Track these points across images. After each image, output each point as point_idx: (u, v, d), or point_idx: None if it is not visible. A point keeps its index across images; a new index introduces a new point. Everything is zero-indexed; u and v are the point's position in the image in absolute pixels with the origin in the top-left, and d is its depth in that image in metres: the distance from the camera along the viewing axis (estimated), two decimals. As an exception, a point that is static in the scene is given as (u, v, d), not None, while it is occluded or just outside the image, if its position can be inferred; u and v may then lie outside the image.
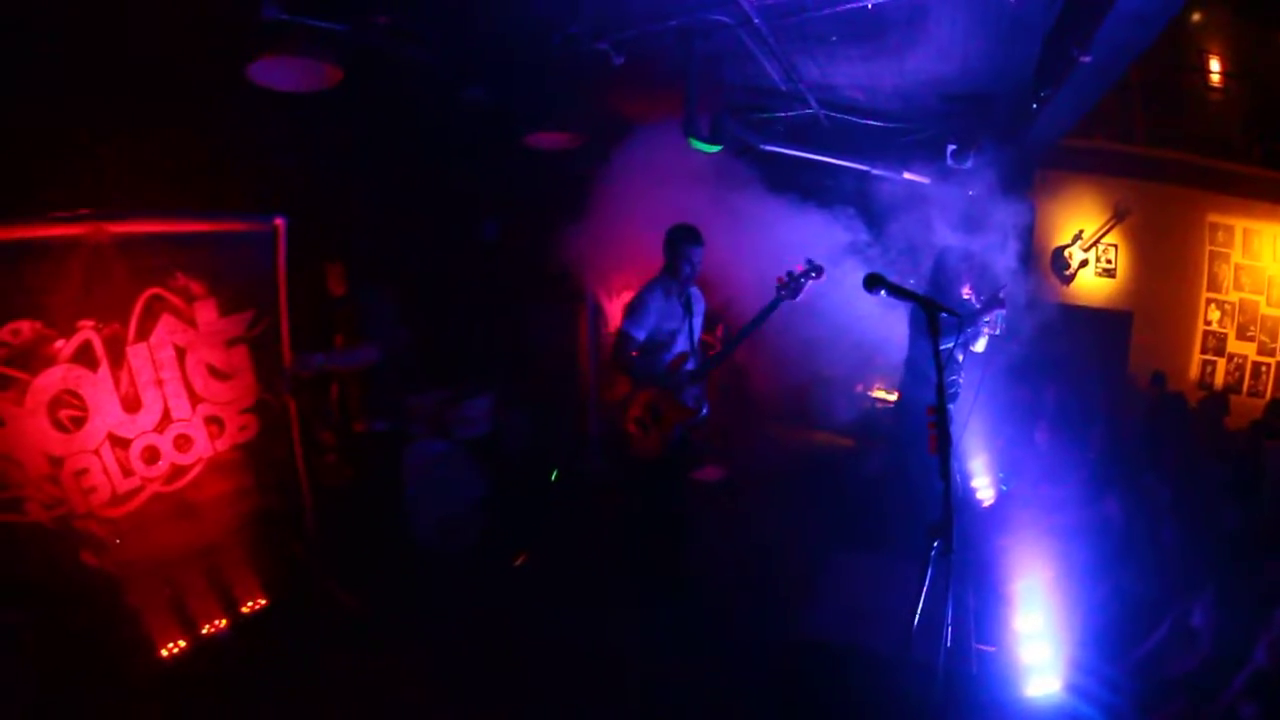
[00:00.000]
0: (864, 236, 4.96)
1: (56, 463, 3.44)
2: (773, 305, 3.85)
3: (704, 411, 3.95)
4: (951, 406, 4.08)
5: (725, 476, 6.35)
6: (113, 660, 3.33)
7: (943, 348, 4.00)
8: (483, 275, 6.02)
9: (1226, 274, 7.66)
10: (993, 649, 3.38)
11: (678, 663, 3.47)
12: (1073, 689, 3.12)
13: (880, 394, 6.94)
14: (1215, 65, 8.24)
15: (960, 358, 4.20)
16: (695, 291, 4.07)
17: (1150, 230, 7.67)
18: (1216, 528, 3.72)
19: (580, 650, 3.62)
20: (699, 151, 4.51)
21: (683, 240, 3.84)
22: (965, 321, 3.93)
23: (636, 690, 3.32)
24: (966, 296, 4.23)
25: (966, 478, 4.58)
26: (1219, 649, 2.98)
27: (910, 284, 2.94)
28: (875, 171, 5.26)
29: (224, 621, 3.77)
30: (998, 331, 4.08)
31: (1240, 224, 7.62)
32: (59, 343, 3.44)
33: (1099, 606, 3.52)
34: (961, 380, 4.19)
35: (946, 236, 4.52)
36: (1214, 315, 7.68)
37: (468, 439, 5.02)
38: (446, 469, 4.72)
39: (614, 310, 7.02)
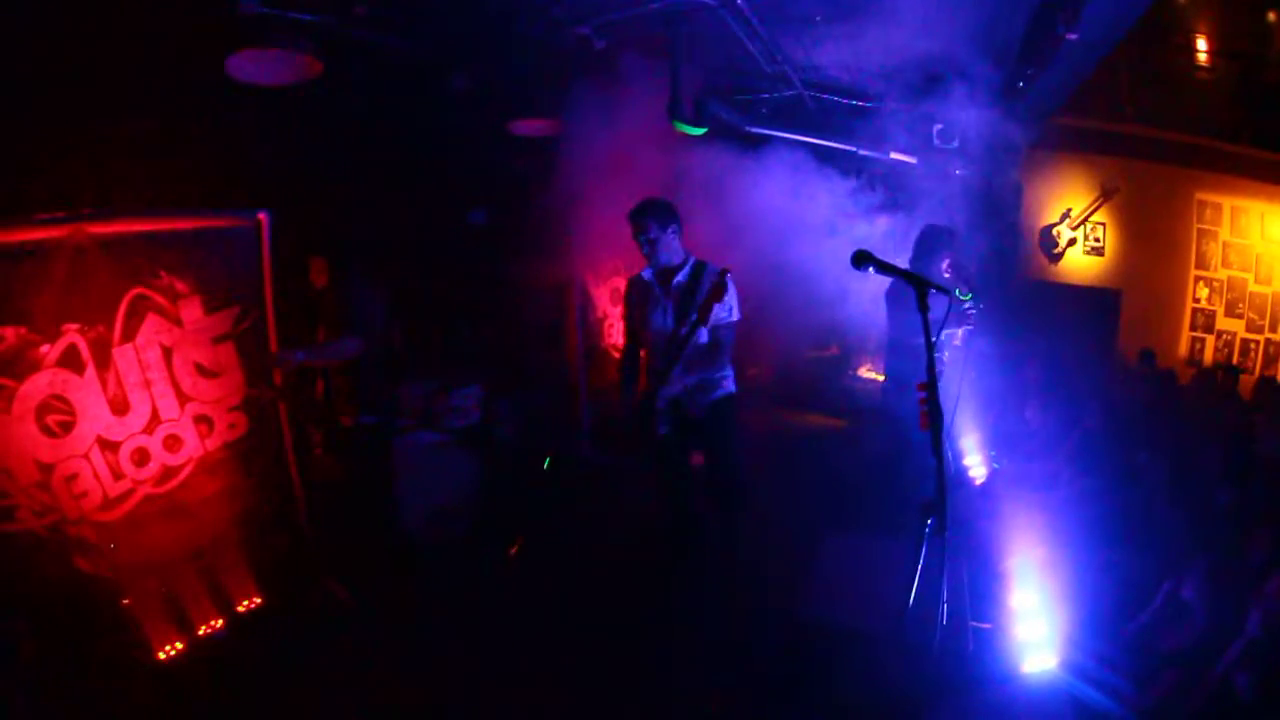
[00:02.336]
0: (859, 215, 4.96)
1: (46, 469, 3.40)
2: None
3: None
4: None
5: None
6: (110, 664, 3.31)
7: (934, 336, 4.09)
8: (469, 264, 5.99)
9: (1214, 252, 7.69)
10: (988, 626, 3.40)
11: (674, 646, 3.48)
12: (1069, 665, 3.14)
13: (871, 374, 6.98)
14: (1203, 44, 8.24)
15: (944, 335, 4.23)
16: (709, 281, 3.45)
17: (1138, 208, 7.70)
18: (1209, 503, 3.74)
19: (576, 636, 3.62)
20: (684, 133, 4.50)
21: (629, 216, 3.54)
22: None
23: (632, 674, 3.32)
24: (946, 274, 4.25)
25: (959, 455, 4.61)
26: (1212, 622, 3.00)
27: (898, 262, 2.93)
28: (861, 152, 5.26)
29: (220, 621, 3.75)
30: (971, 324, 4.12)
31: (1228, 202, 7.65)
32: (44, 347, 3.39)
33: (1093, 582, 3.54)
34: (946, 358, 4.20)
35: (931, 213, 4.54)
36: (1202, 293, 7.72)
37: (458, 429, 4.98)
38: (437, 460, 4.68)
39: (601, 295, 7.04)
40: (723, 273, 3.44)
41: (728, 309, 3.52)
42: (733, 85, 5.06)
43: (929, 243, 4.30)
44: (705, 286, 3.43)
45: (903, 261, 4.26)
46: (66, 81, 3.45)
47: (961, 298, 4.05)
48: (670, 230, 3.51)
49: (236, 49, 3.44)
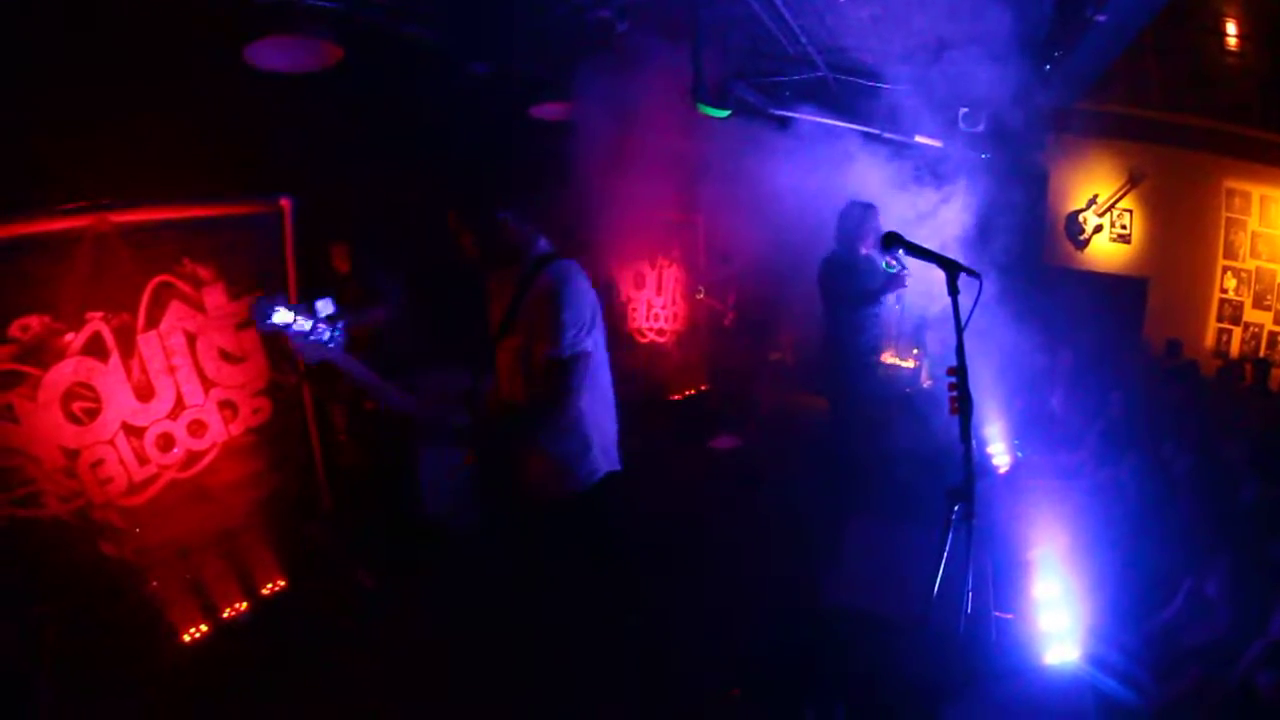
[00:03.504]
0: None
1: (72, 455, 3.47)
2: None
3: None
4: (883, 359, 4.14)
5: (741, 444, 6.40)
6: (135, 648, 3.36)
7: (872, 309, 4.20)
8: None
9: (1243, 241, 7.51)
10: (1011, 616, 3.37)
11: (698, 631, 3.47)
12: (1091, 657, 3.11)
13: (894, 360, 6.94)
14: (1233, 28, 8.03)
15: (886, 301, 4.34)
16: (544, 282, 2.32)
17: (1166, 196, 7.54)
18: (1234, 498, 3.68)
19: (596, 628, 3.62)
20: (706, 116, 4.45)
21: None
22: (890, 283, 4.12)
23: (658, 660, 3.32)
24: (865, 254, 4.25)
25: (983, 443, 4.59)
26: (1235, 619, 2.96)
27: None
28: (886, 135, 5.19)
29: (244, 604, 3.81)
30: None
31: (1257, 190, 7.46)
32: (68, 335, 3.45)
33: (1117, 575, 3.50)
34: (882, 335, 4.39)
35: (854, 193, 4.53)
36: (1230, 283, 7.55)
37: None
38: (459, 445, 4.69)
39: (624, 279, 7.10)
40: (561, 269, 2.30)
41: (552, 334, 2.23)
42: (756, 68, 4.99)
43: (854, 219, 4.25)
44: (533, 291, 2.32)
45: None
46: (86, 71, 3.46)
47: (888, 269, 4.14)
48: (500, 219, 2.38)
49: (256, 36, 3.44)
